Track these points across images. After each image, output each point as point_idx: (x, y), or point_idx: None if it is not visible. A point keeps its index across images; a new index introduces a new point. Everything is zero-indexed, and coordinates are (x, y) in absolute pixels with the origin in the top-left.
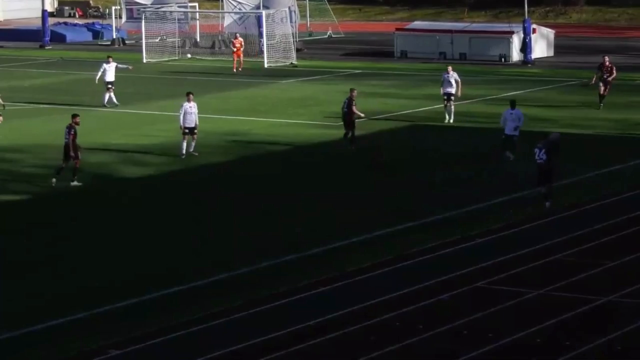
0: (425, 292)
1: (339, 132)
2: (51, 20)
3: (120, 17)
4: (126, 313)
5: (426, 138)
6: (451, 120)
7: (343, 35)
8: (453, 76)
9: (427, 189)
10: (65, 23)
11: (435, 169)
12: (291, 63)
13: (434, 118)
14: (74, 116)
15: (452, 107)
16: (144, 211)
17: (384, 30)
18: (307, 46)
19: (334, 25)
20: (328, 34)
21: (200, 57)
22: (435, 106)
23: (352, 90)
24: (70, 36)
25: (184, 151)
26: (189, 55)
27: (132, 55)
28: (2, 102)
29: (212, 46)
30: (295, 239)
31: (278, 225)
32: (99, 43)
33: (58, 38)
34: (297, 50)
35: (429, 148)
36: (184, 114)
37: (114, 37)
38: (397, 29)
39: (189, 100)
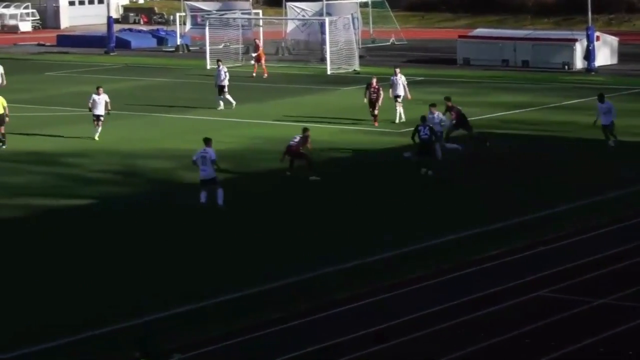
0: (486, 300)
1: (401, 139)
2: (116, 27)
3: (185, 24)
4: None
5: (490, 145)
6: (402, 120)
7: (406, 42)
8: (401, 79)
9: (494, 195)
10: (130, 29)
11: (502, 175)
12: (354, 70)
13: (497, 125)
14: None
15: (401, 108)
16: (211, 216)
17: (447, 38)
18: (370, 53)
19: (396, 32)
20: (391, 40)
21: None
22: (498, 113)
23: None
24: (135, 42)
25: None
26: (252, 62)
27: (195, 62)
28: (109, 109)
29: (275, 52)
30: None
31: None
32: (164, 49)
33: (123, 44)
34: (360, 57)
35: (493, 155)
36: None
37: (178, 43)
38: (460, 36)
39: None
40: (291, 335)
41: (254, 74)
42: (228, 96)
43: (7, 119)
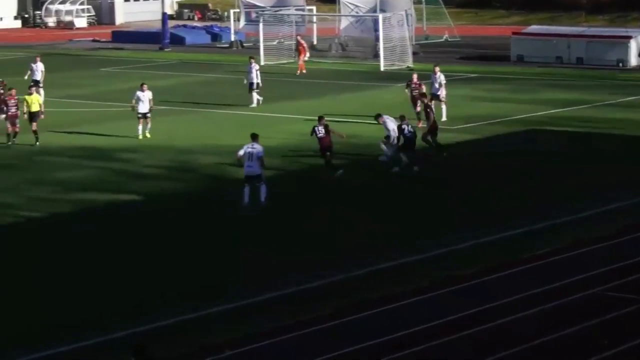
0: (540, 298)
1: (456, 136)
2: (171, 23)
3: (239, 20)
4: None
5: (544, 142)
6: (443, 119)
7: (459, 39)
8: (440, 77)
9: (547, 192)
10: (185, 26)
11: (556, 172)
12: (407, 66)
13: (551, 122)
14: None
15: (443, 106)
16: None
17: (500, 34)
18: (423, 50)
19: (450, 28)
20: (444, 37)
21: (316, 60)
22: (551, 111)
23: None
24: (189, 39)
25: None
26: (305, 58)
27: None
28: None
29: (329, 49)
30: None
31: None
32: (218, 45)
33: (177, 40)
34: (414, 53)
35: (546, 151)
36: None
37: (232, 39)
38: (514, 33)
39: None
40: (330, 336)
41: (301, 72)
42: (254, 94)
43: (42, 115)
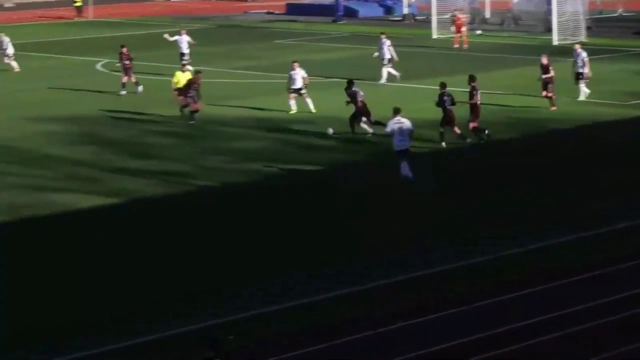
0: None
1: (629, 112)
2: None
3: None
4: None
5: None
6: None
7: (634, 14)
8: (581, 54)
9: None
10: None
11: None
12: (580, 42)
13: None
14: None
15: (584, 86)
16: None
17: None
18: (597, 24)
19: (624, 3)
20: (618, 12)
21: (488, 34)
22: None
23: None
24: (362, 11)
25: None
26: (477, 32)
27: (421, 31)
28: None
29: (501, 23)
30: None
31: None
32: (390, 19)
33: (350, 13)
34: (587, 28)
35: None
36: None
37: (405, 12)
38: None
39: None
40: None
41: (462, 46)
42: (386, 69)
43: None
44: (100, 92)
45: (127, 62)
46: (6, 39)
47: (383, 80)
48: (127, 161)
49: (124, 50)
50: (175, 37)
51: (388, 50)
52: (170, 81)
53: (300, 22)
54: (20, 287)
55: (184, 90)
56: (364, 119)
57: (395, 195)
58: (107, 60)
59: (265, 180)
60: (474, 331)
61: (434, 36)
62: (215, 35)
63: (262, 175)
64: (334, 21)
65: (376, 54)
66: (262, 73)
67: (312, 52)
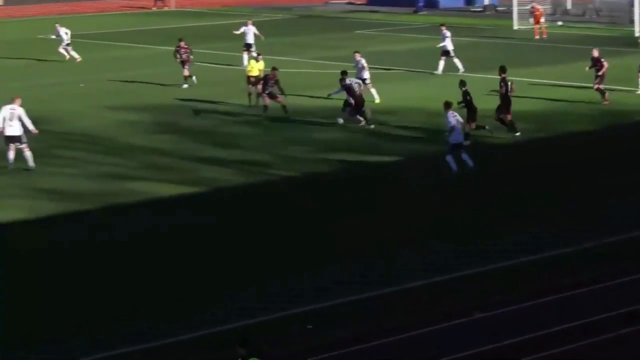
0: None
1: None
2: None
3: None
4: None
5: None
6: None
7: None
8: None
9: None
10: None
11: None
12: None
13: None
14: None
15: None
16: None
17: None
18: None
19: None
20: None
21: (570, 25)
22: None
23: None
24: (443, 2)
25: None
26: (559, 23)
27: (502, 22)
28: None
29: (583, 14)
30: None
31: None
32: (471, 9)
33: (431, 4)
34: None
35: None
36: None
37: (486, 3)
38: None
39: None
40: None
41: (541, 36)
42: (455, 60)
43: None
44: (182, 81)
45: (185, 55)
46: (62, 29)
47: (439, 71)
48: (207, 150)
49: (182, 43)
50: (242, 29)
51: (449, 41)
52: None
53: (381, 12)
54: (102, 275)
55: (256, 80)
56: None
57: (463, 188)
58: None
59: (345, 172)
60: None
61: (515, 27)
62: (296, 26)
63: (342, 166)
64: (415, 12)
65: (439, 45)
66: (342, 63)
67: (393, 42)
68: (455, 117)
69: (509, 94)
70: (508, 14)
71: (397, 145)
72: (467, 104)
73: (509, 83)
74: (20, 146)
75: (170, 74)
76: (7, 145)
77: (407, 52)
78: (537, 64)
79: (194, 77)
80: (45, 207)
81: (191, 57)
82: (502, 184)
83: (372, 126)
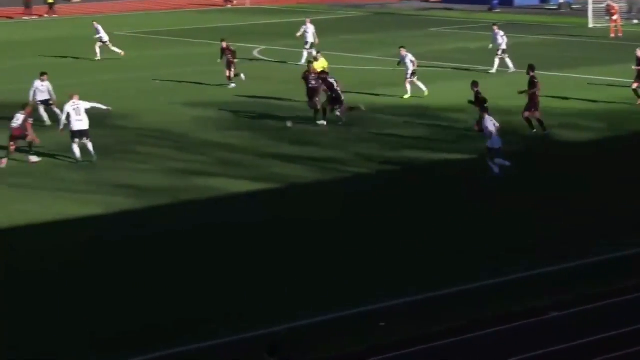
0: None
1: None
2: None
3: None
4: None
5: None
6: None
7: None
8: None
9: None
10: None
11: None
12: None
13: None
14: None
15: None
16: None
17: None
18: None
19: None
20: None
21: None
22: None
23: None
24: (518, 0)
25: None
26: (634, 21)
27: (577, 20)
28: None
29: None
30: None
31: None
32: (546, 7)
33: (506, 2)
34: None
35: None
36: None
37: (561, 1)
38: None
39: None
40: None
41: (612, 35)
42: (498, 59)
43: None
44: (254, 78)
45: (229, 56)
46: (99, 26)
47: (494, 70)
48: (279, 147)
49: (224, 44)
50: (302, 28)
51: (502, 39)
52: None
53: (456, 10)
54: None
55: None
56: (337, 106)
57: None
58: (263, 47)
59: (416, 170)
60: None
61: (590, 25)
62: (371, 23)
63: (415, 164)
64: (490, 10)
65: (491, 46)
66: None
67: (467, 40)
68: (492, 122)
69: (536, 92)
70: (583, 12)
71: (471, 143)
72: (479, 104)
73: (538, 82)
74: (85, 140)
75: (248, 70)
76: (73, 139)
77: (481, 50)
78: (613, 63)
79: (242, 75)
80: (123, 203)
81: (235, 60)
82: (580, 184)
83: (340, 123)
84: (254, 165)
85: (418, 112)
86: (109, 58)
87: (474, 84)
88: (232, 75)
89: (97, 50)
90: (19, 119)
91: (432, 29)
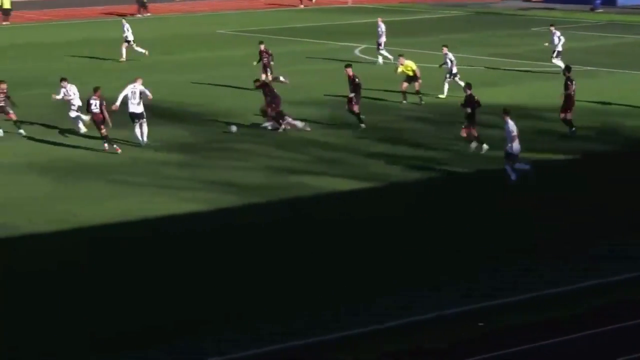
0: None
1: None
2: None
3: None
4: None
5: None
6: None
7: None
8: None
9: None
10: None
11: None
12: None
13: None
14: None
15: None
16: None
17: None
18: None
19: None
20: None
21: None
22: None
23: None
24: (621, 0)
25: None
26: None
27: None
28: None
29: None
30: None
31: None
32: None
33: (609, 1)
34: None
35: None
36: None
37: None
38: None
39: None
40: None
41: None
42: (555, 60)
43: (419, 80)
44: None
45: (266, 59)
46: (127, 25)
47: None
48: (377, 146)
49: (262, 47)
50: (379, 30)
51: (558, 40)
52: (428, 67)
53: (558, 9)
54: (279, 261)
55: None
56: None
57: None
58: (365, 46)
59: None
60: None
61: None
62: (472, 22)
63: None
64: (592, 9)
65: (547, 44)
66: (517, 60)
67: (569, 40)
68: (514, 125)
69: (572, 93)
70: None
71: (568, 143)
72: (471, 108)
73: (574, 82)
74: (140, 121)
75: (338, 70)
76: (133, 122)
77: (583, 49)
78: None
79: (281, 77)
80: (222, 200)
81: (272, 62)
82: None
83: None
84: (353, 163)
85: (515, 112)
86: (222, 55)
87: (467, 86)
88: (263, 76)
89: (124, 50)
90: (95, 104)
91: (534, 29)
